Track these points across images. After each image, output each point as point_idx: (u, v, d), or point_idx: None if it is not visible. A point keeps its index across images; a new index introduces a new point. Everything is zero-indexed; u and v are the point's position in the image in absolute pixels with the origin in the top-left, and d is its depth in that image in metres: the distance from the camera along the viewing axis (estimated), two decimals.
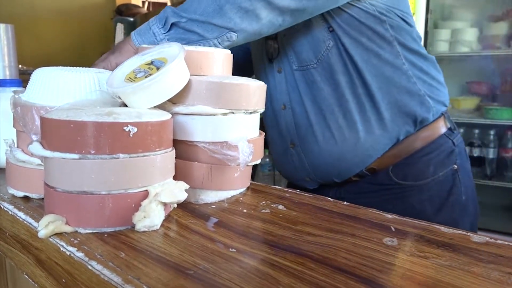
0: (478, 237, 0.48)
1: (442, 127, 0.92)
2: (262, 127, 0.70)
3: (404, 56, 0.88)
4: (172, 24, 0.72)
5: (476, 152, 2.49)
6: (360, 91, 0.87)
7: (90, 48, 4.40)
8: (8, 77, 1.26)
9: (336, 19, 0.85)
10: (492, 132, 2.47)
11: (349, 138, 0.88)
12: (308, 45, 0.88)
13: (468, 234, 0.49)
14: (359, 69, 0.86)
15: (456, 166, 0.92)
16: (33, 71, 0.63)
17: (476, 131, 2.51)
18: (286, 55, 0.92)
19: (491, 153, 2.47)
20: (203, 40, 0.73)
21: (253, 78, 0.76)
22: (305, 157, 0.93)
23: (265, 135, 0.70)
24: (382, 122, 0.87)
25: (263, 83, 0.66)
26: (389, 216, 0.55)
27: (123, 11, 4.44)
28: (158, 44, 0.70)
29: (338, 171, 0.90)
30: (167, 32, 0.73)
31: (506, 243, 0.47)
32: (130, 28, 4.12)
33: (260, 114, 0.67)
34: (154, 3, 4.84)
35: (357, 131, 0.87)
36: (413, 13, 2.50)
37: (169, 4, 4.09)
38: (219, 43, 0.74)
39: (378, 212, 0.57)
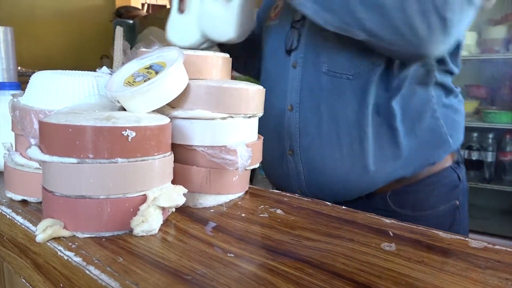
0: (476, 243, 0.48)
1: (449, 159, 0.85)
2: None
3: (434, 88, 0.80)
4: None
5: (474, 156, 2.50)
6: (386, 122, 0.78)
7: (90, 50, 4.40)
8: (7, 80, 1.26)
9: None
10: (490, 136, 2.48)
11: (357, 167, 0.79)
12: (349, 54, 0.78)
13: (466, 239, 0.49)
14: (389, 97, 0.77)
15: (458, 203, 0.85)
16: (32, 73, 0.63)
17: (475, 134, 2.51)
18: (315, 52, 0.81)
19: (489, 157, 2.47)
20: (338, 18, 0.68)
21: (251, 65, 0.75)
22: (303, 169, 0.84)
23: (259, 133, 0.67)
24: (397, 160, 0.79)
25: (262, 87, 0.66)
26: (387, 221, 0.55)
27: (123, 13, 4.44)
28: None
29: (335, 193, 0.83)
30: None
31: (504, 248, 0.47)
32: (129, 30, 4.13)
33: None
34: (153, 5, 4.85)
35: (367, 163, 0.79)
36: None
37: (168, 6, 4.09)
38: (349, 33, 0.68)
39: (376, 217, 0.57)
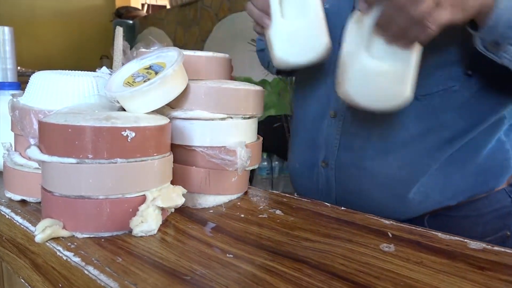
0: (475, 244, 0.48)
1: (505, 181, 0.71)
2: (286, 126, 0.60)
3: (505, 106, 0.68)
4: None
5: None
6: (448, 147, 0.67)
7: (89, 50, 4.41)
8: (7, 80, 1.26)
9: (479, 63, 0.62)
10: None
11: (398, 195, 0.69)
12: (429, 72, 0.64)
13: (465, 240, 0.49)
14: (464, 118, 0.67)
15: (509, 234, 0.71)
16: (32, 73, 0.63)
17: None
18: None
19: None
20: None
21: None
22: (336, 184, 0.73)
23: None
24: (450, 186, 0.68)
25: (261, 88, 0.66)
26: (386, 222, 0.55)
27: (123, 14, 4.45)
28: None
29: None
30: None
31: (502, 249, 0.47)
32: (129, 30, 4.13)
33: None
34: (153, 5, 4.85)
35: (410, 192, 0.68)
36: None
37: (168, 6, 4.09)
38: None
39: (375, 218, 0.57)
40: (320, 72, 0.75)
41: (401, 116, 0.67)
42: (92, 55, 4.33)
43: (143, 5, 4.85)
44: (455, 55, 0.65)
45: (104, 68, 0.84)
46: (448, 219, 0.69)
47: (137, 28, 4.26)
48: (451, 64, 0.66)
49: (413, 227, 0.53)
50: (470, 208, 0.69)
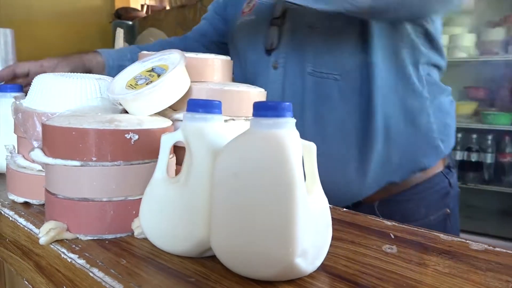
0: (477, 245, 0.49)
1: (440, 165, 0.81)
2: None
3: (428, 88, 0.77)
4: None
5: (474, 157, 2.50)
6: (378, 124, 0.73)
7: (89, 51, 4.40)
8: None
9: (382, 33, 0.72)
10: (490, 137, 2.48)
11: (342, 173, 0.75)
12: (337, 51, 0.73)
13: (467, 241, 0.50)
14: (383, 96, 0.73)
15: (448, 211, 0.81)
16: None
17: (474, 136, 2.52)
18: (299, 52, 0.76)
19: (489, 158, 2.48)
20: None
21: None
22: None
23: None
24: (389, 167, 0.76)
25: (264, 90, 0.66)
26: (388, 223, 0.56)
27: (122, 15, 4.45)
28: None
29: None
30: None
31: (504, 250, 0.48)
32: (129, 32, 4.13)
33: None
34: (153, 6, 4.85)
35: (353, 170, 0.74)
36: None
37: (168, 7, 4.10)
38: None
39: (377, 219, 0.57)
40: (255, 73, 0.82)
41: (328, 99, 0.74)
42: None
43: (142, 6, 4.85)
44: (356, 25, 0.71)
45: None
46: (395, 204, 0.78)
47: (136, 29, 4.26)
48: (356, 34, 0.72)
49: (415, 228, 0.54)
50: (413, 192, 0.78)
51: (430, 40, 0.79)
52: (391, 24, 0.73)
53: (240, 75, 0.88)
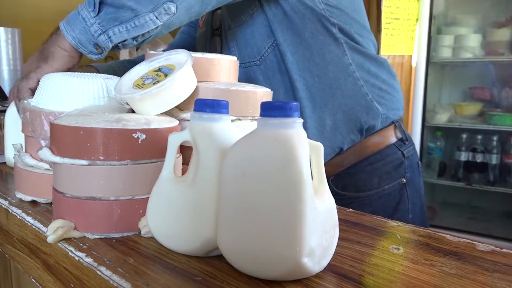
0: (484, 246, 0.49)
1: (391, 137, 0.85)
2: None
3: (351, 56, 0.82)
4: (101, 4, 0.64)
5: (479, 158, 2.50)
6: (301, 94, 0.81)
7: None
8: (14, 81, 1.27)
9: (275, 12, 0.80)
10: (495, 138, 2.47)
11: None
12: (252, 40, 0.84)
13: (474, 242, 0.50)
14: (300, 68, 0.80)
15: (404, 180, 0.84)
16: None
17: (479, 136, 2.51)
18: (228, 51, 0.88)
19: (494, 159, 2.47)
20: (138, 16, 0.65)
21: None
22: None
23: None
24: (324, 129, 0.81)
25: (269, 89, 0.66)
26: (395, 223, 0.56)
27: None
28: (90, 31, 0.66)
29: None
30: (97, 15, 0.65)
31: (511, 252, 0.48)
32: None
33: None
34: None
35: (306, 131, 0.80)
36: (416, 19, 2.51)
37: None
38: (157, 18, 0.65)
39: (383, 220, 0.57)
40: None
41: (255, 81, 0.84)
42: None
43: None
44: (255, 15, 0.81)
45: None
46: (348, 176, 0.83)
47: None
48: (258, 22, 0.81)
49: (421, 229, 0.54)
50: (365, 164, 0.83)
51: (335, 8, 0.82)
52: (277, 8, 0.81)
53: None
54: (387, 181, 0.83)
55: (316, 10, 0.80)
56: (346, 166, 0.83)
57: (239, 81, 0.80)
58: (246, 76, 0.86)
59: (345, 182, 0.83)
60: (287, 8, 0.80)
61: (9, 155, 0.75)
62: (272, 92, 0.67)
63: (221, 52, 0.90)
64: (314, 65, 0.80)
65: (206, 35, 0.95)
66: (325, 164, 0.76)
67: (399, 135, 0.86)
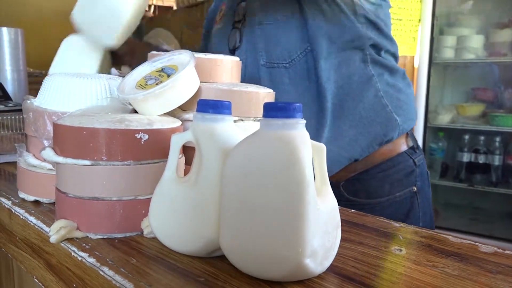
0: (486, 247, 0.49)
1: (403, 144, 0.85)
2: None
3: (373, 67, 0.82)
4: None
5: (481, 159, 2.49)
6: (326, 104, 0.79)
7: None
8: (17, 80, 1.27)
9: (316, 19, 0.79)
10: (497, 139, 2.47)
11: None
12: (285, 42, 0.82)
13: (476, 244, 0.50)
14: (329, 77, 0.79)
15: (415, 188, 0.84)
16: (40, 73, 0.64)
17: (482, 137, 2.50)
18: (254, 47, 0.85)
19: (496, 160, 2.46)
20: None
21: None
22: None
23: None
24: (342, 141, 0.80)
25: (272, 90, 0.66)
26: (397, 224, 0.56)
27: None
28: None
29: None
30: None
31: None
32: (136, 31, 4.14)
33: None
34: (160, 7, 4.86)
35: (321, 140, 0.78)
36: (419, 20, 2.50)
37: (175, 7, 4.11)
38: None
39: (385, 221, 0.57)
40: None
41: (280, 85, 0.81)
42: None
43: (149, 6, 4.86)
44: (296, 16, 0.79)
45: (113, 70, 0.85)
46: (359, 182, 0.82)
47: (143, 30, 4.28)
48: (297, 24, 0.80)
49: (424, 230, 0.54)
50: (376, 171, 0.82)
51: (370, 23, 0.82)
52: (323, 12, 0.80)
53: None
54: (399, 189, 0.83)
55: (355, 23, 0.80)
56: (357, 172, 0.82)
57: (260, 79, 0.82)
58: (269, 76, 0.84)
59: (356, 188, 0.82)
60: (329, 16, 0.79)
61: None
62: (274, 92, 0.67)
63: (240, 46, 0.87)
64: (339, 74, 0.80)
65: (224, 29, 0.93)
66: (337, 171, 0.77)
67: (411, 143, 0.86)
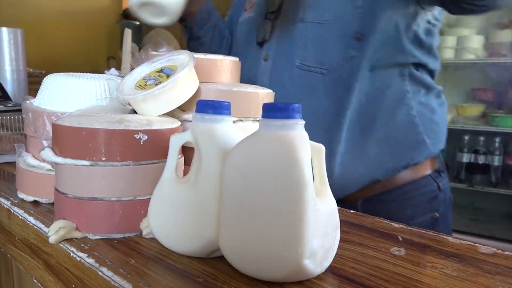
0: (486, 248, 0.49)
1: (428, 166, 0.79)
2: None
3: (410, 83, 0.75)
4: None
5: (481, 160, 2.49)
6: (353, 115, 0.73)
7: (97, 51, 4.43)
8: (16, 80, 1.27)
9: (372, 25, 0.71)
10: (497, 140, 2.47)
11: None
12: (330, 46, 0.74)
13: (476, 245, 0.50)
14: (363, 88, 0.73)
15: (437, 215, 0.78)
16: (40, 73, 0.64)
17: (481, 138, 2.50)
18: (290, 45, 0.78)
19: (496, 161, 2.46)
20: None
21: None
22: None
23: None
24: (364, 158, 0.74)
25: (272, 91, 0.66)
26: (396, 225, 0.56)
27: (130, 15, 4.46)
28: None
29: None
30: None
31: None
32: (136, 32, 4.14)
33: None
34: None
35: (334, 163, 0.73)
36: None
37: None
38: None
39: (385, 221, 0.57)
40: (247, 64, 0.77)
41: (314, 92, 0.74)
42: (99, 56, 4.35)
43: None
44: (347, 20, 0.71)
45: (112, 70, 0.84)
46: (379, 203, 0.75)
47: (143, 30, 4.28)
48: (345, 29, 0.71)
49: (423, 231, 0.54)
50: (398, 193, 0.76)
51: (418, 41, 0.77)
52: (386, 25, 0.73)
53: None
54: (420, 214, 0.77)
55: (403, 37, 0.73)
56: (377, 192, 0.76)
57: (291, 81, 0.75)
58: (302, 79, 0.76)
59: (376, 210, 0.73)
60: (384, 26, 0.72)
61: None
62: (274, 93, 0.67)
63: (269, 39, 0.79)
64: (372, 86, 0.73)
65: (253, 19, 0.86)
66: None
67: (436, 165, 0.80)
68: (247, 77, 0.79)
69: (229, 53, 0.94)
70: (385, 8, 0.72)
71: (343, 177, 0.73)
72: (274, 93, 0.67)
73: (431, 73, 0.81)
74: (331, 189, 0.67)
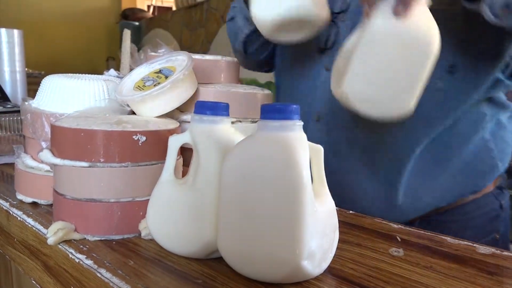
0: (484, 249, 0.49)
1: (491, 185, 0.71)
2: None
3: (487, 103, 0.67)
4: None
5: None
6: (430, 147, 0.65)
7: (96, 51, 4.44)
8: (15, 82, 1.27)
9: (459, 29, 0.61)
10: None
11: (385, 200, 0.67)
12: None
13: (474, 245, 0.50)
14: (451, 112, 0.64)
15: (498, 236, 0.71)
16: (39, 74, 0.64)
17: None
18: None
19: None
20: None
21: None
22: None
23: None
24: (432, 188, 0.67)
25: (269, 91, 0.66)
26: (395, 226, 0.56)
27: (129, 15, 4.47)
28: None
29: None
30: None
31: (511, 254, 0.47)
32: (135, 32, 4.15)
33: None
34: (159, 7, 4.87)
35: (397, 196, 0.66)
36: None
37: (174, 8, 4.11)
38: None
39: (383, 222, 0.57)
40: (304, 73, 0.71)
41: None
42: (98, 56, 4.36)
43: (149, 6, 4.87)
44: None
45: (112, 71, 0.84)
46: (438, 223, 0.68)
47: (143, 30, 4.28)
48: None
49: (422, 232, 0.54)
50: (459, 212, 0.69)
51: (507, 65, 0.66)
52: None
53: (285, 72, 0.79)
54: (481, 235, 0.69)
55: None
56: (436, 206, 0.69)
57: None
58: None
59: (433, 229, 0.62)
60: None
61: None
62: (272, 94, 0.67)
63: (333, 46, 0.67)
64: (449, 109, 0.63)
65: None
66: None
67: (499, 182, 0.72)
68: (302, 91, 0.72)
69: (271, 61, 0.83)
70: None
71: (410, 205, 0.68)
72: (272, 94, 0.67)
73: (506, 89, 0.71)
74: (391, 219, 0.61)
